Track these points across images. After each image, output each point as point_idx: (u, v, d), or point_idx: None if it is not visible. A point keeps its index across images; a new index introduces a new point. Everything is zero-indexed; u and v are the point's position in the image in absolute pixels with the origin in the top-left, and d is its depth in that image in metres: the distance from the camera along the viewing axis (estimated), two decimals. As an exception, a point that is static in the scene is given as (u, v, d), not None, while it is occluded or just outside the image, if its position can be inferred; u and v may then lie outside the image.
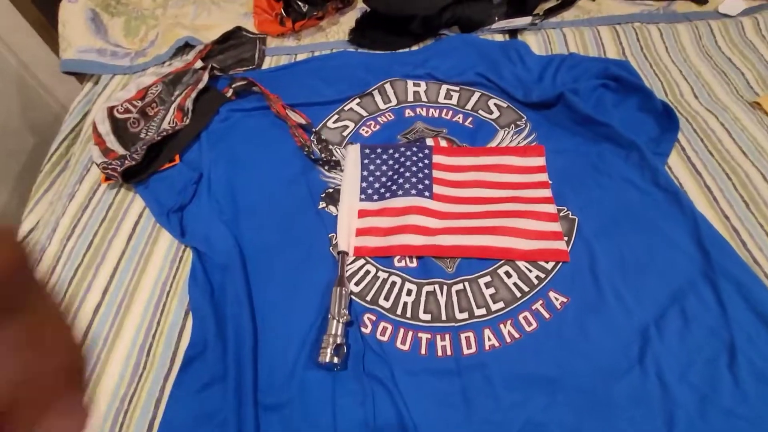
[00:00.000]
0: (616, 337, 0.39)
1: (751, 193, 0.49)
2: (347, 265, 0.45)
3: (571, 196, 0.49)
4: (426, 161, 0.53)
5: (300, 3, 0.61)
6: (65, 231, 0.48)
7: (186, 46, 0.67)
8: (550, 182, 0.51)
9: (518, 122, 0.57)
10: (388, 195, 0.50)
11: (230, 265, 0.43)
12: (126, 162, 0.49)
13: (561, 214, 0.48)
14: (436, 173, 0.52)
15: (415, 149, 0.54)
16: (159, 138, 0.51)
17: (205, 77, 0.57)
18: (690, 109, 0.58)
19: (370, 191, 0.51)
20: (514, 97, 0.59)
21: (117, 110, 0.54)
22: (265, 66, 0.65)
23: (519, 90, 0.59)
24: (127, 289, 0.44)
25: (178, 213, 0.48)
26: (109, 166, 0.48)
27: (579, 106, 0.55)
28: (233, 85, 0.57)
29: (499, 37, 0.68)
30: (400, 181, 0.51)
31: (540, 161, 0.52)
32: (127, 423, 0.37)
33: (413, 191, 0.50)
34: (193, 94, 0.56)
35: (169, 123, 0.54)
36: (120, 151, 0.51)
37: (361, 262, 0.46)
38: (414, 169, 0.52)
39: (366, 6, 0.67)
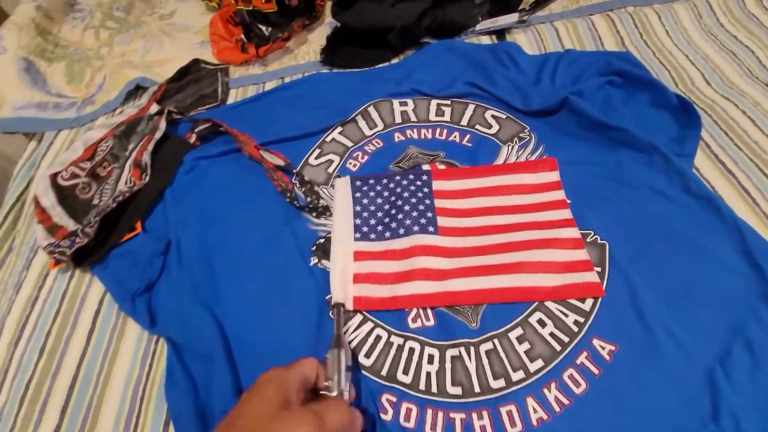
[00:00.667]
0: (680, 389, 0.34)
1: (792, 188, 0.44)
2: (353, 331, 0.39)
3: (594, 216, 0.44)
4: (426, 189, 0.47)
5: (261, 26, 0.53)
6: (13, 334, 0.40)
7: (138, 89, 0.59)
8: (570, 201, 0.45)
9: (521, 134, 0.51)
10: (387, 234, 0.44)
11: (214, 354, 0.36)
12: (77, 240, 0.41)
13: (587, 239, 0.42)
14: (438, 202, 0.46)
15: (412, 177, 0.48)
16: (115, 204, 0.44)
17: (162, 124, 0.50)
18: (705, 98, 0.53)
19: (365, 229, 0.44)
20: (512, 106, 0.53)
21: (62, 177, 0.47)
22: (230, 100, 0.57)
23: (516, 97, 0.53)
24: (91, 402, 0.36)
25: (145, 295, 0.40)
26: (57, 249, 0.41)
27: (587, 109, 0.49)
28: (196, 129, 0.50)
29: (486, 40, 0.62)
30: (400, 216, 0.44)
31: (554, 176, 0.47)
32: None
33: (416, 227, 0.44)
34: (150, 146, 0.48)
35: (125, 183, 0.46)
36: (70, 226, 0.44)
37: (369, 326, 0.39)
38: (413, 200, 0.46)
39: (336, 21, 0.60)
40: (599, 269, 0.40)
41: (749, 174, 0.46)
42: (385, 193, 0.47)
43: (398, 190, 0.47)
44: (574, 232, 0.42)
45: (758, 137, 0.48)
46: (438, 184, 0.47)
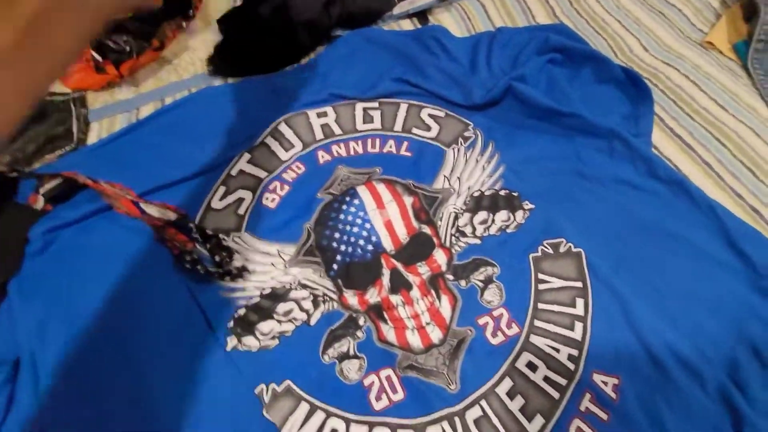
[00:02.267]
0: (698, 416, 0.29)
1: (750, 156, 0.41)
2: (299, 429, 0.29)
3: (564, 221, 0.38)
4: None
5: (117, 37, 0.40)
6: None
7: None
8: (533, 206, 0.39)
9: (465, 133, 0.44)
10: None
11: None
12: None
13: (560, 249, 0.36)
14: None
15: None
16: None
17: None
18: (647, 66, 0.49)
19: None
20: (450, 101, 0.46)
21: None
22: (91, 139, 0.44)
23: (453, 90, 0.46)
24: None
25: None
26: None
27: (533, 96, 0.43)
28: (42, 189, 0.36)
29: (407, 25, 0.53)
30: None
31: None
32: None
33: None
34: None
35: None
36: None
37: (321, 417, 0.30)
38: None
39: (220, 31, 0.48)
40: (579, 284, 0.34)
41: (708, 147, 0.42)
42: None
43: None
44: None
45: (707, 104, 0.45)
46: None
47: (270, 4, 0.48)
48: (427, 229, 0.39)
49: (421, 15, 0.54)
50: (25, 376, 0.30)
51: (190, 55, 0.49)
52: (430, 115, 0.45)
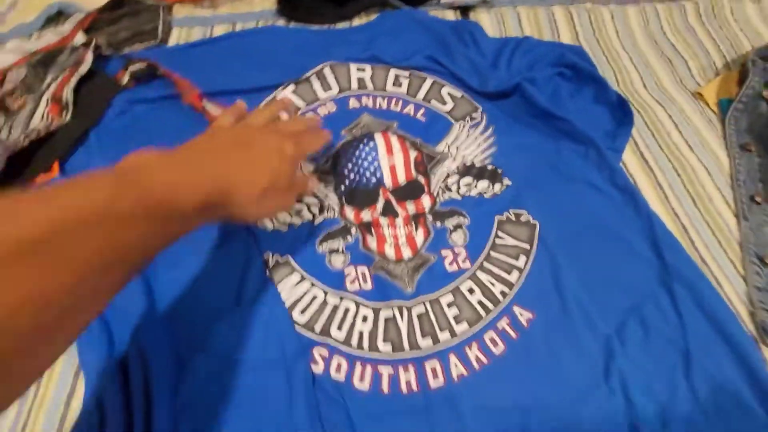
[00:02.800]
0: (583, 355, 0.38)
1: (697, 189, 0.50)
2: (291, 289, 0.39)
3: (531, 198, 0.46)
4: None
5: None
6: None
7: (60, 14, 0.53)
8: (510, 183, 0.48)
9: (474, 114, 0.53)
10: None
11: (129, 307, 0.34)
12: None
13: (521, 218, 0.45)
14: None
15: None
16: (27, 142, 0.40)
17: (89, 57, 0.45)
18: (640, 100, 0.57)
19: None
20: (468, 85, 0.54)
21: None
22: (172, 41, 0.53)
23: (474, 77, 0.54)
24: None
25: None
26: None
27: (537, 98, 0.51)
28: (130, 68, 0.46)
29: (450, 15, 0.62)
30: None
31: None
32: None
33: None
34: (74, 81, 0.43)
35: (41, 120, 0.42)
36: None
37: (307, 285, 0.40)
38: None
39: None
40: (527, 246, 0.43)
41: (665, 173, 0.51)
42: None
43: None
44: None
45: (678, 141, 0.54)
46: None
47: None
48: (421, 179, 0.48)
49: (464, 10, 0.62)
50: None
51: (265, -7, 0.58)
52: (449, 93, 0.54)
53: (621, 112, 0.53)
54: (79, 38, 0.47)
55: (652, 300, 0.41)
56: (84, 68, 0.44)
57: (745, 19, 0.69)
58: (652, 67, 0.61)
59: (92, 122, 0.43)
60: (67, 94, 0.42)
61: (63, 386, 0.34)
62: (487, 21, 0.62)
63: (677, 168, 0.51)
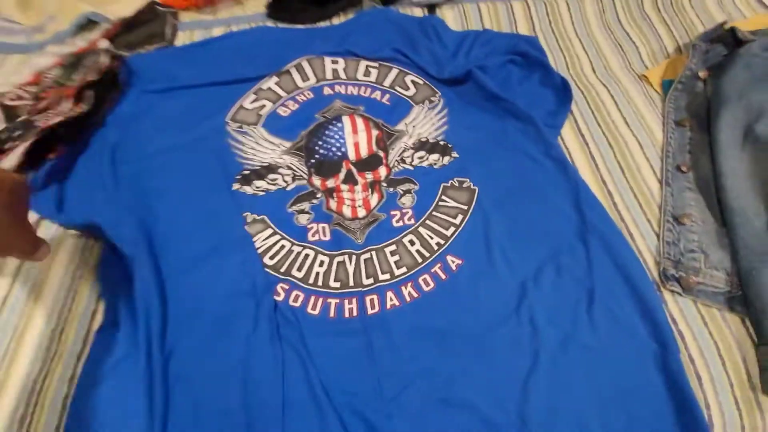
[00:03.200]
0: (501, 292, 0.45)
1: (627, 161, 0.56)
2: (263, 240, 0.48)
3: (474, 169, 0.54)
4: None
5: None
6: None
7: (90, 23, 0.64)
8: (458, 155, 0.55)
9: (432, 98, 0.60)
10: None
11: (137, 254, 0.44)
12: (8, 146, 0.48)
13: (463, 185, 0.53)
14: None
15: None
16: (52, 123, 0.50)
17: (107, 60, 0.56)
18: (586, 82, 0.63)
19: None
20: (428, 73, 0.62)
21: (9, 97, 0.52)
22: (178, 42, 0.64)
23: (433, 66, 0.62)
24: (34, 283, 0.44)
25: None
26: None
27: (486, 83, 0.59)
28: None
29: (418, 12, 0.70)
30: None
31: None
32: (42, 398, 0.39)
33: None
34: (94, 77, 0.54)
35: (66, 111, 0.52)
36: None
37: (277, 237, 0.49)
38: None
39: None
40: (466, 207, 0.51)
41: (599, 146, 0.57)
42: None
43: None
44: None
45: (617, 118, 0.60)
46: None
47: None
48: (381, 153, 0.56)
49: (431, 7, 0.70)
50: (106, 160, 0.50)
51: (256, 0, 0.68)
52: (412, 81, 0.62)
53: (563, 93, 0.60)
54: (103, 44, 0.58)
55: (568, 249, 0.48)
56: (103, 67, 0.55)
57: (702, 6, 0.73)
58: (603, 52, 0.67)
59: (109, 109, 0.54)
60: (87, 89, 0.53)
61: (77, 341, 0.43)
62: (450, 17, 0.69)
63: (611, 142, 0.57)
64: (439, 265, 0.47)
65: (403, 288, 0.45)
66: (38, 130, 0.49)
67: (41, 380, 0.40)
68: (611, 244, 0.47)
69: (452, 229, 0.49)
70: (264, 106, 0.58)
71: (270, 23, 0.67)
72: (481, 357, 0.42)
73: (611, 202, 0.52)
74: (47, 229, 0.48)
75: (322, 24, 0.69)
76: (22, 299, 0.43)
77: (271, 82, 0.60)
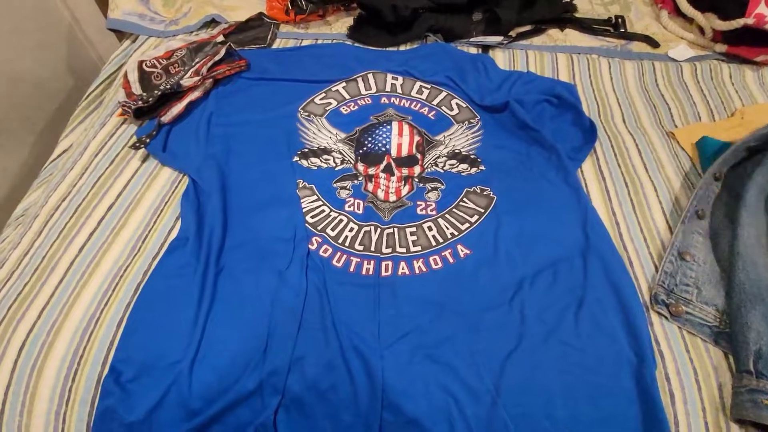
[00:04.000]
0: (500, 283, 0.51)
1: (640, 198, 0.61)
2: (311, 207, 0.58)
3: (497, 181, 0.62)
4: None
5: (303, 1, 0.75)
6: (95, 149, 0.62)
7: (212, 22, 0.81)
8: (484, 168, 0.63)
9: (471, 120, 0.70)
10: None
11: (212, 192, 0.55)
12: (140, 103, 0.62)
13: (484, 193, 0.60)
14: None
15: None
16: (170, 90, 0.64)
17: (222, 51, 0.70)
18: (615, 131, 0.70)
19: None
20: (472, 100, 0.72)
21: (146, 64, 0.68)
22: (274, 46, 0.79)
23: (477, 94, 0.72)
24: (135, 197, 0.57)
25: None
26: (126, 105, 0.62)
27: (519, 113, 0.67)
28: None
29: (473, 50, 0.81)
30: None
31: None
32: (117, 291, 0.50)
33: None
34: (210, 63, 0.69)
35: (186, 82, 0.67)
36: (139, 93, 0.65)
37: (319, 203, 0.58)
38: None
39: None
40: (483, 210, 0.58)
41: (615, 182, 0.63)
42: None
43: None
44: None
45: (637, 162, 0.65)
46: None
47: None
48: (418, 156, 0.65)
49: (485, 48, 0.81)
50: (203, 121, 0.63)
51: (341, 23, 0.82)
52: (457, 103, 0.72)
53: (590, 134, 0.67)
54: (220, 38, 0.73)
55: (568, 261, 0.53)
56: (217, 57, 0.69)
57: (741, 82, 0.79)
58: (635, 107, 0.74)
59: (212, 86, 0.68)
60: (204, 70, 0.67)
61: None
62: (500, 58, 0.79)
63: (627, 180, 0.63)
64: (449, 250, 0.54)
65: (414, 262, 0.53)
66: (182, 91, 0.63)
67: (125, 268, 0.51)
68: (609, 264, 0.52)
69: (467, 225, 0.57)
70: (330, 103, 0.70)
71: (348, 42, 0.81)
72: (470, 331, 0.48)
73: (617, 232, 0.58)
74: (151, 163, 0.60)
75: (391, 49, 0.81)
76: (123, 208, 0.56)
77: (339, 86, 0.72)
